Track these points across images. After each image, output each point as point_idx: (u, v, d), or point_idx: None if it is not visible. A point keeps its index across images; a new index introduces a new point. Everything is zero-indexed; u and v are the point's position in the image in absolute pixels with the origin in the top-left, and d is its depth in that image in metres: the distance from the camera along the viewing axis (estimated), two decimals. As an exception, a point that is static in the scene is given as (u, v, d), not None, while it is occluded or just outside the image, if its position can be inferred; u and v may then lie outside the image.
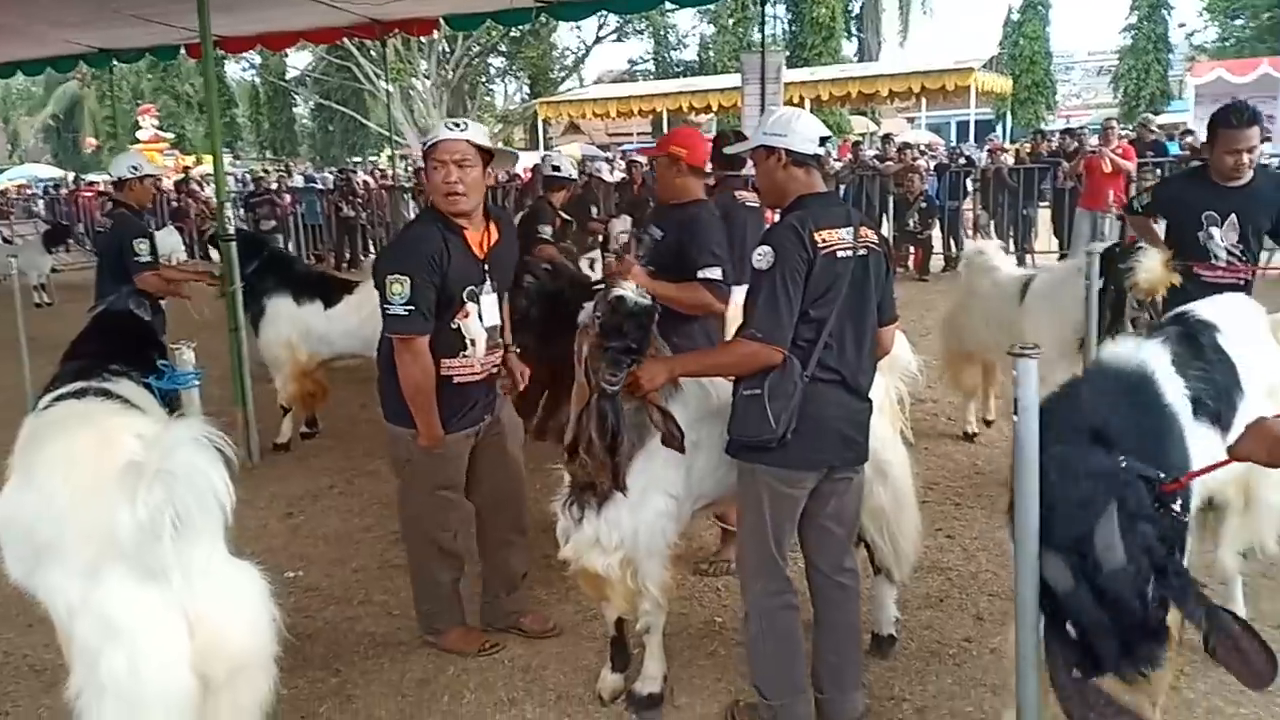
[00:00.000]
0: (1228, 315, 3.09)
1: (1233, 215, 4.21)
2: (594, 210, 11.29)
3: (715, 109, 22.11)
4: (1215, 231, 4.23)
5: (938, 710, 3.22)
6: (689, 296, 3.58)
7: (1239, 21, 34.62)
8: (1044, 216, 13.12)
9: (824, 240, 2.78)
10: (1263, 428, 2.11)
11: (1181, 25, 37.50)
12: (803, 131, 2.89)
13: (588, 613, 3.74)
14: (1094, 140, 11.94)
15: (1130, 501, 2.21)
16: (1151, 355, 2.73)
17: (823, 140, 2.94)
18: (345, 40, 23.12)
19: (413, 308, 3.15)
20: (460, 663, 3.61)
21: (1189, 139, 13.72)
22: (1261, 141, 4.34)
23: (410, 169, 19.93)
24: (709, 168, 4.14)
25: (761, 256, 2.76)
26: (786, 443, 2.75)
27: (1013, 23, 37.76)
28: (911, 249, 12.71)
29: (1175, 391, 2.66)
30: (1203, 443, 2.64)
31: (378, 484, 5.60)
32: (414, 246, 3.26)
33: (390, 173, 17.72)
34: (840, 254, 2.80)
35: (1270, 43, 27.23)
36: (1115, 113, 31.30)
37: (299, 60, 41.37)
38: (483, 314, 3.37)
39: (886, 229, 12.22)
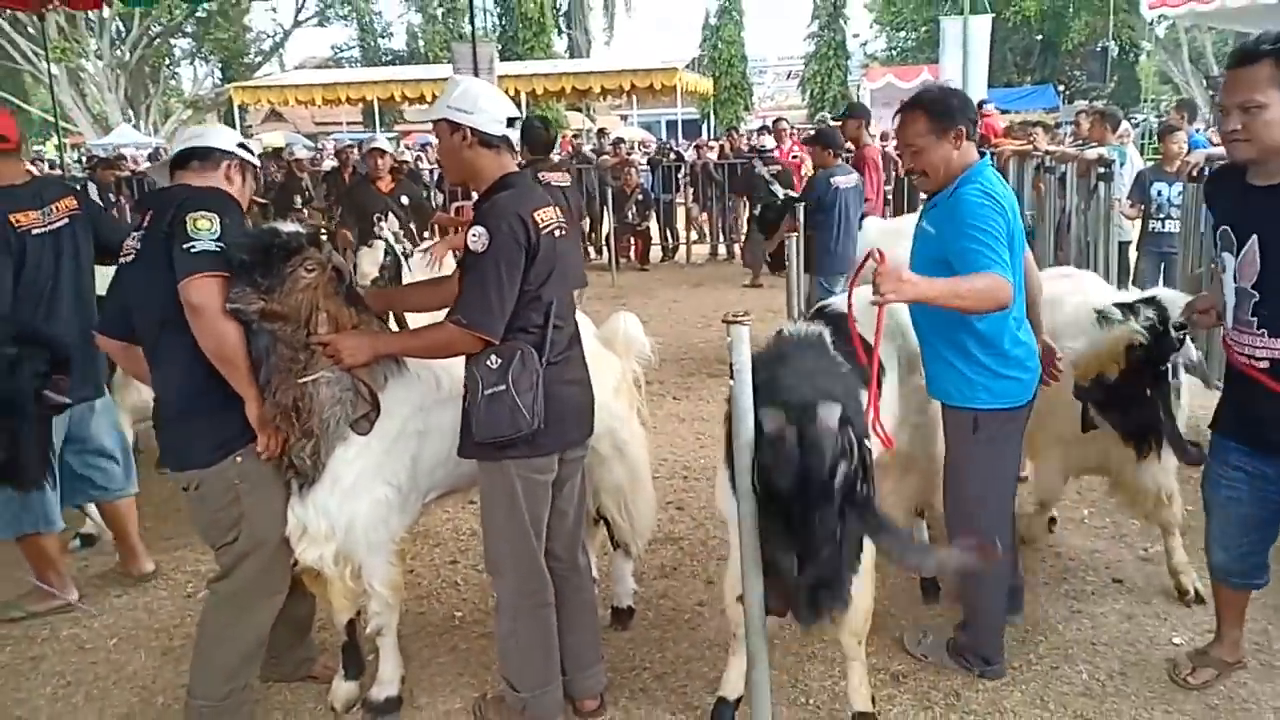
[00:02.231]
0: (860, 306, 3.24)
1: (1254, 236, 2.64)
2: (299, 199, 10.69)
3: (430, 99, 21.62)
4: (1228, 263, 2.73)
5: (676, 675, 3.32)
6: None
7: (902, 33, 38.91)
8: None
9: (543, 220, 2.73)
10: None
11: (856, 35, 41.55)
12: (490, 110, 2.73)
13: (318, 623, 3.49)
14: (769, 140, 12.82)
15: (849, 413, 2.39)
16: (823, 330, 2.96)
17: (511, 121, 2.81)
18: (-5, 12, 20.35)
19: (224, 245, 2.61)
20: (171, 691, 3.26)
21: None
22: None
23: (84, 157, 17.89)
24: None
25: (476, 238, 2.63)
26: (537, 431, 2.69)
27: (710, 26, 40.03)
28: (632, 240, 13.13)
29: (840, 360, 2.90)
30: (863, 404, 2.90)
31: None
32: (221, 198, 2.79)
33: (60, 162, 15.75)
34: (556, 233, 2.78)
35: (928, 53, 30.87)
36: (804, 114, 34.12)
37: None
38: None
39: (607, 221, 12.52)
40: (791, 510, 2.35)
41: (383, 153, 7.16)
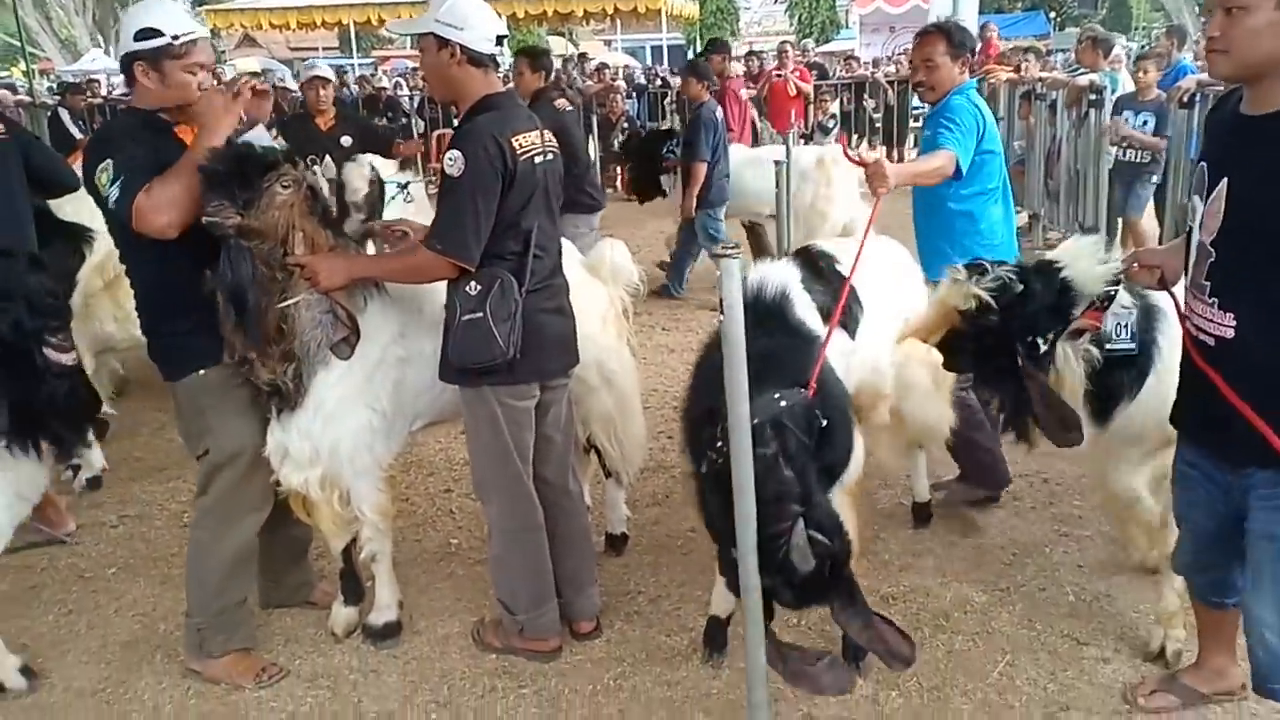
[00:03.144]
0: (846, 249, 3.22)
1: (1225, 179, 2.10)
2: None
3: (408, 24, 21.03)
4: (1197, 209, 2.19)
5: (669, 598, 3.38)
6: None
7: (892, -43, 37.99)
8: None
9: (521, 145, 2.68)
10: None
11: (845, -42, 40.50)
12: (480, 27, 2.68)
13: (316, 550, 3.52)
14: (772, 64, 12.66)
15: (817, 511, 2.38)
16: (788, 275, 2.96)
17: (500, 39, 2.76)
18: (-46, -71, 19.62)
19: (124, 174, 2.55)
20: (173, 619, 3.29)
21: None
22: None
23: (54, 84, 17.43)
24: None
25: (452, 162, 2.60)
26: (513, 360, 2.69)
27: (696, -53, 38.91)
28: (619, 169, 12.94)
29: (806, 305, 2.90)
30: (833, 342, 2.85)
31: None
32: (105, 140, 2.76)
33: (29, 88, 15.36)
34: (536, 159, 2.73)
35: (917, -23, 30.19)
36: (793, 39, 33.48)
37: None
38: None
39: (593, 149, 12.33)
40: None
41: (325, 82, 6.07)
